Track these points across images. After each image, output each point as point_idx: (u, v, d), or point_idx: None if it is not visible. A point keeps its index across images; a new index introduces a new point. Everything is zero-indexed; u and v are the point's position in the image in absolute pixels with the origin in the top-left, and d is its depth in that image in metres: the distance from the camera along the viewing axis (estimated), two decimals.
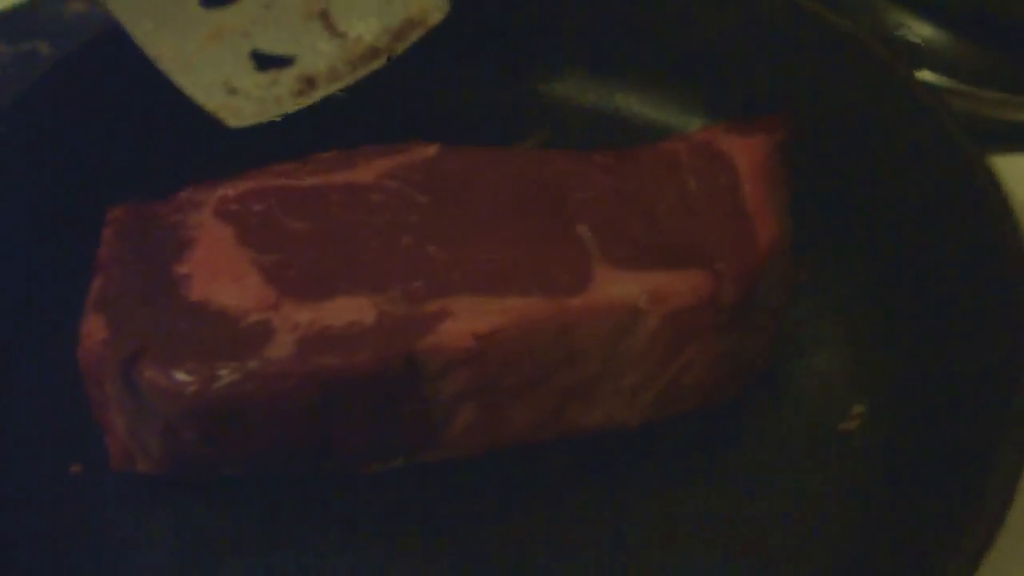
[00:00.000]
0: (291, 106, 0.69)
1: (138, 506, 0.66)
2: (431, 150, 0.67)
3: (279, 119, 0.69)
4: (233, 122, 0.68)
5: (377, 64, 0.70)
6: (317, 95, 0.69)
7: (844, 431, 0.69)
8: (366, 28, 0.71)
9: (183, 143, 0.73)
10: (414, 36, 0.71)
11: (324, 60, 0.69)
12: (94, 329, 0.62)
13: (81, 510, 0.66)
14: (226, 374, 0.59)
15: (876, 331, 0.71)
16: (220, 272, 0.63)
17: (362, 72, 0.70)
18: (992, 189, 0.67)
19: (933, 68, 0.81)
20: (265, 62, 0.69)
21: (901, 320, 0.71)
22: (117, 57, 0.71)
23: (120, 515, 0.66)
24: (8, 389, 0.68)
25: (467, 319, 0.60)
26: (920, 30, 0.86)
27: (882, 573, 0.63)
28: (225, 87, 0.69)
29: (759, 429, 0.69)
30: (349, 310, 0.61)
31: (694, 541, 0.65)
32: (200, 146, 0.71)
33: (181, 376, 0.59)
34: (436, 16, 0.71)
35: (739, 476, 0.67)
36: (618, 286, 0.62)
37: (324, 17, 0.71)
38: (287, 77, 0.69)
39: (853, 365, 0.71)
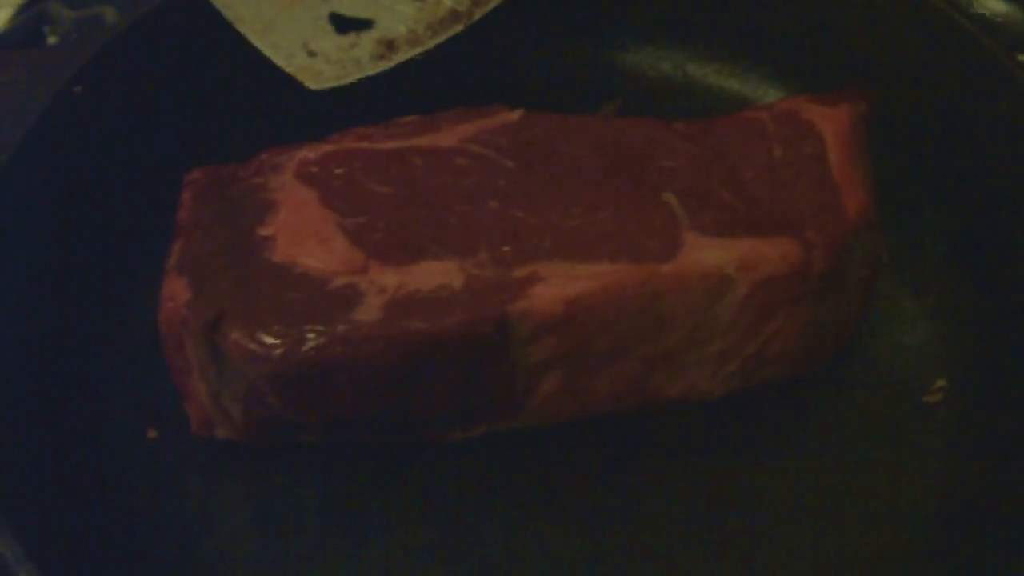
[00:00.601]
0: (371, 69, 0.68)
1: (215, 472, 0.65)
2: (514, 115, 0.67)
3: (358, 82, 0.68)
4: (313, 84, 0.67)
5: (456, 29, 0.69)
6: (397, 59, 0.69)
7: (927, 404, 0.68)
8: None
9: (261, 106, 0.73)
10: (493, 0, 0.70)
11: (403, 23, 0.68)
12: (176, 292, 0.61)
13: (157, 476, 0.65)
14: (312, 337, 0.58)
15: (959, 307, 0.71)
16: (304, 235, 0.62)
17: (441, 37, 0.69)
18: None
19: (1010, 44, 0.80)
20: (344, 25, 0.68)
21: (984, 296, 0.70)
22: (192, 19, 0.70)
23: (197, 481, 0.65)
24: (86, 353, 0.68)
25: (558, 284, 0.60)
26: (995, 7, 0.85)
27: (962, 547, 0.62)
28: (305, 49, 0.68)
29: (843, 401, 0.68)
30: (437, 274, 0.60)
31: (776, 511, 0.64)
32: (278, 109, 0.71)
33: (266, 339, 0.58)
34: None
35: (821, 447, 0.66)
36: (708, 253, 0.61)
37: None
38: (367, 40, 0.68)
39: (936, 340, 0.70)
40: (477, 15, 0.71)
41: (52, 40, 0.80)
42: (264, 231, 0.62)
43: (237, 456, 0.65)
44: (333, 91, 0.69)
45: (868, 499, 0.65)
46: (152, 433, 0.66)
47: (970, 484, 0.64)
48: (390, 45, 0.68)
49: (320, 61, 0.68)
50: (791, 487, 0.65)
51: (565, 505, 0.64)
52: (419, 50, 0.69)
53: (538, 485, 0.65)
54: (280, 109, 0.71)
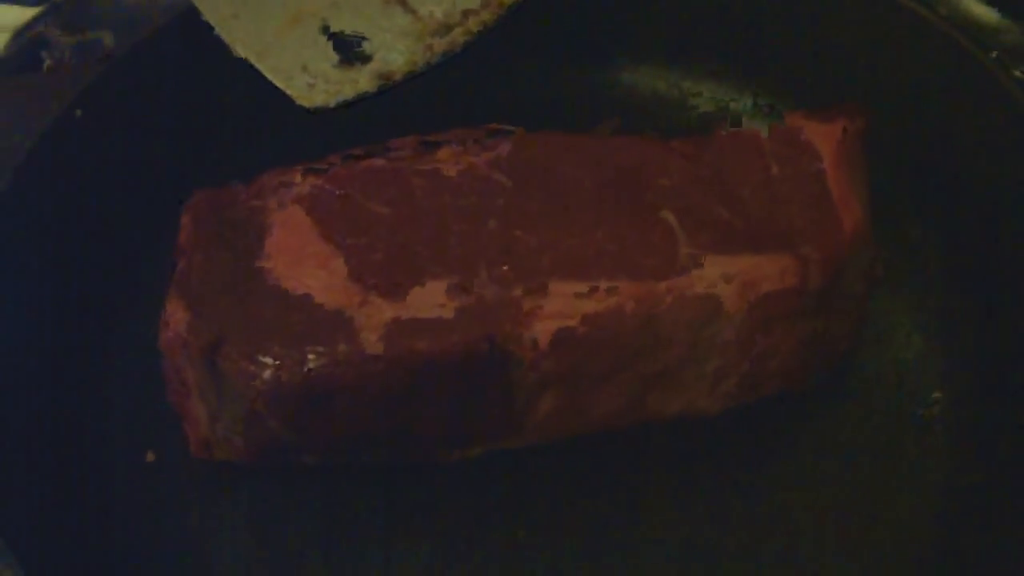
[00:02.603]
0: (369, 88, 0.68)
1: (214, 495, 0.66)
2: (512, 133, 0.67)
3: (357, 102, 0.68)
4: (311, 104, 0.67)
5: (456, 45, 0.69)
6: (395, 80, 0.69)
7: (924, 418, 0.68)
8: (440, 8, 0.70)
9: (261, 128, 0.73)
10: (490, 17, 0.70)
11: (400, 54, 0.68)
12: (176, 314, 0.61)
13: (156, 499, 0.66)
14: (312, 359, 0.59)
15: (955, 321, 0.71)
16: (303, 259, 0.62)
17: (438, 57, 0.69)
18: None
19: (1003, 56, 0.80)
20: (344, 52, 0.69)
21: (980, 310, 0.70)
22: (191, 42, 0.71)
23: (196, 504, 0.66)
24: (85, 376, 0.68)
25: (556, 304, 0.60)
26: (987, 18, 0.85)
27: (962, 561, 0.63)
28: (304, 70, 0.68)
29: (840, 416, 0.68)
30: (436, 294, 0.60)
31: (776, 527, 0.65)
32: (278, 131, 0.71)
33: (266, 361, 0.59)
34: None
35: (819, 463, 0.67)
36: (706, 271, 0.62)
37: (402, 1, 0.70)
38: (365, 73, 0.68)
39: (932, 354, 0.70)
40: (475, 29, 0.71)
41: (49, 65, 0.80)
42: (263, 255, 0.62)
43: (236, 478, 0.65)
44: (332, 112, 0.69)
45: (867, 514, 0.65)
46: (151, 456, 0.66)
47: (969, 498, 0.65)
48: (387, 77, 0.69)
49: (319, 81, 0.68)
50: (790, 503, 0.65)
51: (566, 523, 0.65)
52: (416, 73, 0.69)
53: (539, 504, 0.65)
54: (280, 130, 0.71)
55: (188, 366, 0.61)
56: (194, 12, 0.70)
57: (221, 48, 0.69)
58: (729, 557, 0.64)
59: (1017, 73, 0.72)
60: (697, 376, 0.64)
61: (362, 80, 0.68)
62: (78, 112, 0.69)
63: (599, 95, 0.81)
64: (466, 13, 0.71)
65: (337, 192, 0.64)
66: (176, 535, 0.64)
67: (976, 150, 0.72)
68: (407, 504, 0.65)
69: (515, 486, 0.65)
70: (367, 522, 0.65)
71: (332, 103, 0.67)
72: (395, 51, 0.69)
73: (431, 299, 0.60)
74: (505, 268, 0.61)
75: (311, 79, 0.68)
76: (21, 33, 0.76)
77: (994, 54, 0.71)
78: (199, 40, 0.69)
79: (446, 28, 0.70)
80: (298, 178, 0.65)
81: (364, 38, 0.70)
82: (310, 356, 0.59)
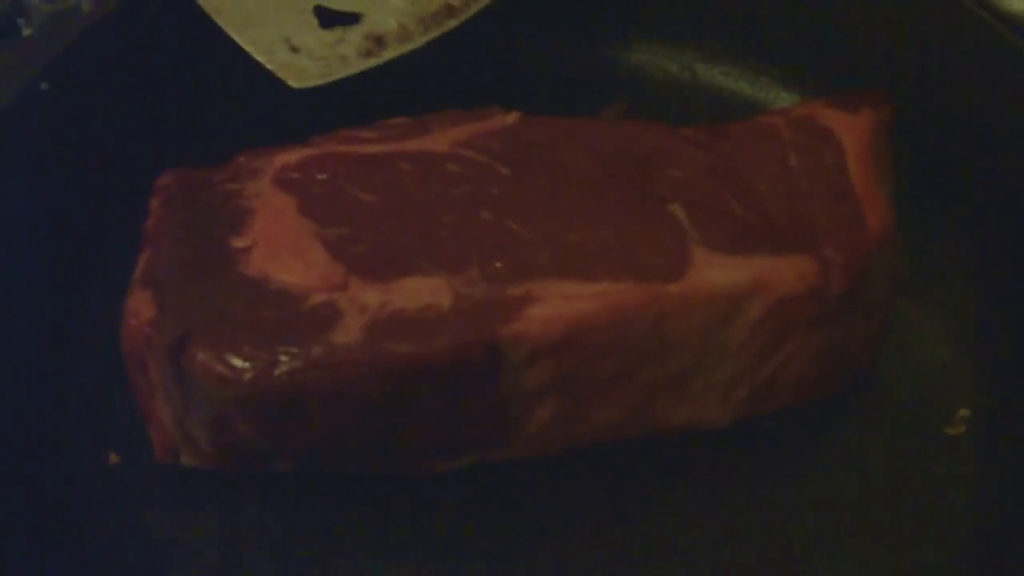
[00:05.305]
0: (357, 66, 0.64)
1: (180, 502, 0.61)
2: (511, 118, 0.63)
3: (344, 81, 0.63)
4: (295, 82, 0.63)
5: (450, 24, 0.65)
6: (386, 56, 0.64)
7: (950, 436, 0.64)
8: None
9: (240, 106, 0.69)
10: None
11: (393, 17, 0.64)
12: (140, 308, 0.57)
13: (119, 505, 0.61)
14: (286, 360, 0.54)
15: (984, 330, 0.67)
16: (280, 246, 0.57)
17: (434, 33, 0.65)
18: None
19: None
20: (330, 19, 0.64)
21: (1010, 318, 0.66)
22: (167, 12, 0.66)
23: (161, 512, 0.61)
24: (46, 372, 0.63)
25: (554, 305, 0.55)
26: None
27: None
28: (287, 44, 0.63)
29: (859, 431, 0.64)
30: (424, 292, 0.56)
31: (788, 547, 0.60)
32: (259, 109, 0.67)
33: (236, 362, 0.54)
34: None
35: (836, 481, 0.62)
36: (718, 271, 0.57)
37: None
38: (354, 35, 0.64)
39: (959, 367, 0.66)
40: (473, 9, 0.66)
41: (27, 32, 0.76)
42: (237, 242, 0.58)
43: (204, 485, 0.61)
44: (317, 90, 0.64)
45: (889, 539, 0.61)
46: (115, 458, 0.62)
47: (997, 521, 0.61)
48: (379, 41, 0.64)
49: (303, 57, 0.64)
50: (805, 525, 0.61)
51: (561, 541, 0.60)
52: (409, 47, 0.65)
53: (531, 520, 0.61)
54: (261, 109, 0.68)
55: (152, 364, 0.57)
56: None
57: (199, 18, 0.64)
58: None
59: None
60: (707, 385, 0.60)
61: (351, 57, 0.63)
62: (43, 85, 0.64)
63: (605, 76, 0.77)
64: None
65: (319, 176, 0.60)
66: (138, 545, 0.60)
67: (1011, 145, 0.67)
68: (389, 519, 0.61)
69: (508, 500, 0.61)
70: (344, 537, 0.60)
71: (317, 81, 0.63)
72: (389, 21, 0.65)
73: (417, 297, 0.55)
74: (499, 264, 0.56)
75: (297, 56, 0.63)
76: None
77: None
78: (175, 10, 0.65)
79: (448, 10, 0.65)
80: (278, 160, 0.60)
81: (358, 17, 0.65)
82: (283, 357, 0.54)
